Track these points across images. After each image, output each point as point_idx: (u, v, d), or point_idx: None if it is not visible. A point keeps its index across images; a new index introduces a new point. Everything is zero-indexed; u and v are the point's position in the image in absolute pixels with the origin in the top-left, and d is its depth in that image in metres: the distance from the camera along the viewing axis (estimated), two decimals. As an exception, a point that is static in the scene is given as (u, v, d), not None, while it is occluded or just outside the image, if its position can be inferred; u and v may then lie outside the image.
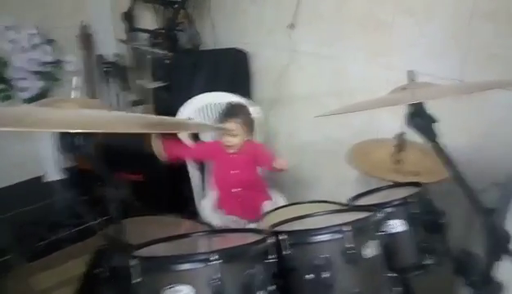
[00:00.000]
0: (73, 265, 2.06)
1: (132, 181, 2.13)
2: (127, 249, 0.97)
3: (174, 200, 2.15)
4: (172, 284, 0.79)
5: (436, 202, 1.20)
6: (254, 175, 1.87)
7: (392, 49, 1.67)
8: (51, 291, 1.88)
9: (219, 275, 0.78)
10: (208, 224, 1.41)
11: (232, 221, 1.69)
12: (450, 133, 1.56)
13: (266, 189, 1.94)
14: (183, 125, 0.73)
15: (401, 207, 1.11)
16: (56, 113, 0.59)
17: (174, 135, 1.80)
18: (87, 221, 2.35)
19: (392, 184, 1.33)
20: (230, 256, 0.80)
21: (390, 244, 1.09)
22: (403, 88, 0.93)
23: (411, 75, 0.89)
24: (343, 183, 2.01)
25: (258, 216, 1.53)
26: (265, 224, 1.27)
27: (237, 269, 0.81)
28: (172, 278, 0.80)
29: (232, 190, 1.80)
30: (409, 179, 1.31)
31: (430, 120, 0.87)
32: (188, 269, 0.79)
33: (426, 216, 1.11)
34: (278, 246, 0.94)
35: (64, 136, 0.63)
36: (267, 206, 1.80)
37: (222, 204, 1.83)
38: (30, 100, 2.68)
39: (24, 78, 2.62)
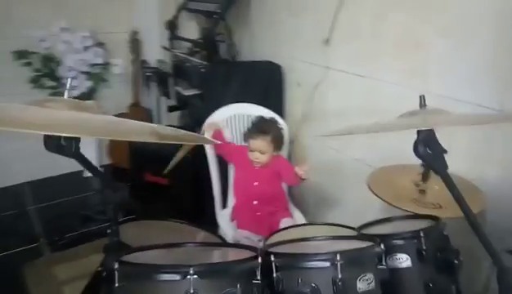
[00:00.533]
0: (96, 259, 2.14)
1: (157, 184, 2.18)
2: (120, 252, 0.98)
3: (196, 207, 2.16)
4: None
5: (453, 241, 1.10)
6: (277, 190, 1.84)
7: (429, 71, 1.58)
8: (71, 281, 1.96)
9: (194, 290, 0.76)
10: (220, 236, 1.40)
11: (244, 237, 1.66)
12: (481, 165, 1.46)
13: (287, 206, 1.90)
14: (177, 137, 0.72)
15: (411, 241, 1.04)
16: (41, 114, 0.60)
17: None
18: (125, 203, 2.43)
19: (408, 214, 1.24)
20: (207, 271, 0.78)
21: (395, 280, 1.02)
22: (413, 113, 0.86)
23: (423, 100, 0.82)
24: (368, 207, 1.91)
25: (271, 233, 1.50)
26: (270, 242, 1.24)
27: (214, 286, 0.79)
28: (151, 288, 0.79)
29: (253, 202, 1.78)
30: (429, 211, 1.22)
31: (440, 150, 0.80)
32: (166, 281, 0.79)
33: (438, 254, 1.02)
34: (269, 267, 0.90)
35: (49, 135, 0.65)
36: (284, 223, 1.76)
37: (237, 216, 1.80)
38: (78, 98, 2.85)
39: (74, 77, 2.78)
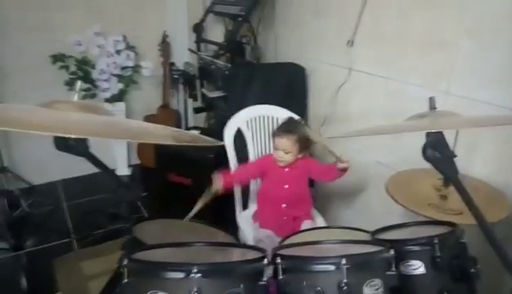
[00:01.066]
0: (119, 256, 2.22)
1: (181, 184, 2.22)
2: (133, 249, 1.01)
3: (217, 207, 2.19)
4: (154, 290, 0.81)
5: (476, 249, 1.06)
6: (305, 192, 1.83)
7: (453, 73, 1.53)
8: (97, 277, 2.04)
9: (197, 289, 0.77)
10: (237, 238, 1.41)
11: (266, 236, 1.66)
12: (507, 169, 1.39)
13: (310, 208, 1.89)
14: (175, 138, 0.73)
15: (425, 247, 1.00)
16: (48, 115, 0.64)
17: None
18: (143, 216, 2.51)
19: (426, 220, 1.20)
20: (210, 271, 0.79)
21: (408, 287, 1.00)
22: (422, 116, 0.84)
23: (432, 102, 0.80)
24: (390, 212, 1.87)
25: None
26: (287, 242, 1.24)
27: (217, 285, 0.80)
28: (156, 285, 0.81)
29: (282, 205, 1.78)
30: (448, 217, 1.18)
31: (449, 153, 0.77)
32: (170, 279, 0.80)
33: (454, 262, 0.99)
34: (276, 269, 0.91)
35: (58, 136, 0.68)
36: (305, 225, 1.75)
37: (260, 217, 1.80)
38: (110, 100, 2.97)
39: (107, 80, 2.90)
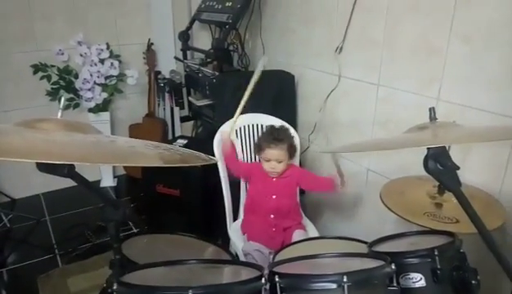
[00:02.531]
0: (107, 271, 2.15)
1: (168, 195, 2.17)
2: (123, 269, 0.97)
3: (207, 218, 2.14)
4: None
5: (471, 258, 1.04)
6: (294, 202, 1.80)
7: (445, 79, 1.52)
8: (84, 293, 1.96)
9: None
10: (229, 252, 1.37)
11: (254, 250, 1.62)
12: (502, 176, 1.39)
13: (301, 218, 1.86)
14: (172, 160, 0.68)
15: (425, 259, 0.98)
16: (32, 138, 0.58)
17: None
18: (132, 228, 2.44)
19: (423, 230, 1.18)
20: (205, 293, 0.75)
21: (408, 300, 0.97)
22: (422, 128, 0.82)
23: (433, 113, 0.78)
24: (383, 219, 1.86)
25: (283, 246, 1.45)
26: (277, 259, 1.20)
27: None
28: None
29: (271, 216, 1.74)
30: (445, 226, 1.16)
31: (452, 166, 0.75)
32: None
33: (454, 273, 0.97)
34: (274, 288, 0.87)
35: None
36: (297, 235, 1.72)
37: (247, 229, 1.77)
38: (94, 110, 2.90)
39: (90, 89, 2.82)
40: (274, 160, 1.68)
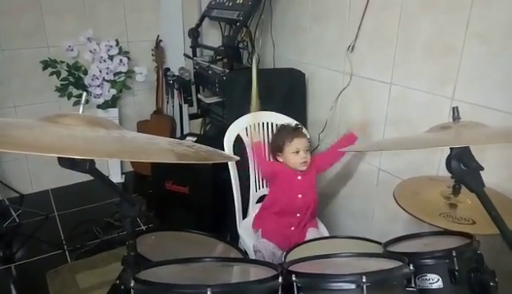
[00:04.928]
0: (116, 268, 2.15)
1: (178, 193, 2.16)
2: (137, 266, 0.96)
3: (216, 216, 2.14)
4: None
5: (488, 259, 1.03)
6: (315, 197, 1.78)
7: (460, 78, 1.50)
8: (92, 290, 1.97)
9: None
10: (239, 249, 1.36)
11: (265, 248, 1.61)
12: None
13: (315, 215, 1.84)
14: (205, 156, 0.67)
15: (442, 260, 0.97)
16: (51, 133, 0.57)
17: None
18: (138, 225, 2.44)
19: (439, 231, 1.17)
20: (225, 292, 0.74)
21: (425, 302, 0.96)
22: (445, 127, 0.80)
23: (456, 112, 0.76)
24: (394, 219, 1.85)
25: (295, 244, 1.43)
26: (292, 258, 1.19)
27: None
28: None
29: (297, 215, 1.72)
30: (461, 227, 1.14)
31: (476, 166, 0.74)
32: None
33: (472, 275, 0.95)
34: (291, 287, 0.86)
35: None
36: (310, 233, 1.71)
37: (266, 228, 1.72)
38: (103, 106, 2.90)
39: (99, 86, 2.83)
40: (303, 150, 1.67)
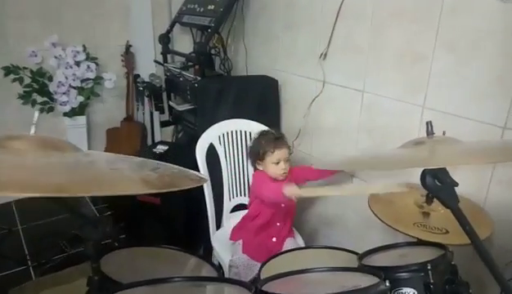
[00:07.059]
0: (82, 284, 2.05)
1: (149, 204, 2.10)
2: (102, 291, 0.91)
3: (189, 227, 2.08)
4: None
5: (460, 268, 1.03)
6: (294, 206, 1.74)
7: (431, 86, 1.52)
8: (58, 308, 1.87)
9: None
10: (213, 264, 1.32)
11: (243, 264, 1.57)
12: (487, 185, 1.39)
13: (293, 224, 1.82)
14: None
15: (418, 274, 0.96)
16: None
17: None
18: (107, 239, 2.34)
19: (412, 241, 1.17)
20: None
21: (401, 316, 0.94)
22: (418, 142, 0.79)
23: (430, 127, 0.75)
24: (370, 226, 1.85)
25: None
26: (268, 270, 1.16)
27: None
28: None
29: (277, 224, 1.69)
30: (435, 237, 1.15)
31: (451, 182, 0.73)
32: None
33: (447, 287, 0.95)
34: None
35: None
36: (288, 244, 1.68)
37: (248, 242, 1.66)
38: (70, 114, 2.79)
39: (65, 93, 2.72)
40: (283, 160, 1.62)
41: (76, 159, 0.57)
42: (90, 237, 0.83)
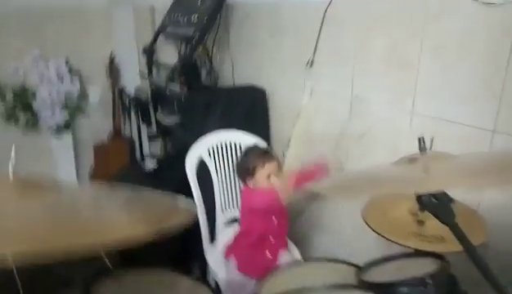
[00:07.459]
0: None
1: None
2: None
3: (183, 242, 2.05)
4: None
5: (460, 271, 1.02)
6: (287, 218, 1.73)
7: (419, 91, 1.52)
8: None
9: None
10: (208, 284, 1.29)
11: (238, 283, 1.55)
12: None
13: (286, 235, 1.80)
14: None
15: (417, 288, 0.95)
16: None
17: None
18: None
19: (408, 252, 1.16)
20: None
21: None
22: (412, 159, 0.78)
23: (422, 143, 0.74)
24: (364, 234, 1.83)
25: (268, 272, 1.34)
26: (266, 289, 1.14)
27: None
28: None
29: (271, 240, 1.66)
30: (431, 246, 1.13)
31: (446, 199, 0.71)
32: None
33: (447, 299, 0.94)
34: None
35: None
36: (283, 257, 1.66)
37: (242, 259, 1.65)
38: (55, 131, 2.74)
39: (50, 109, 2.67)
40: (273, 173, 1.59)
41: (57, 201, 0.54)
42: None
